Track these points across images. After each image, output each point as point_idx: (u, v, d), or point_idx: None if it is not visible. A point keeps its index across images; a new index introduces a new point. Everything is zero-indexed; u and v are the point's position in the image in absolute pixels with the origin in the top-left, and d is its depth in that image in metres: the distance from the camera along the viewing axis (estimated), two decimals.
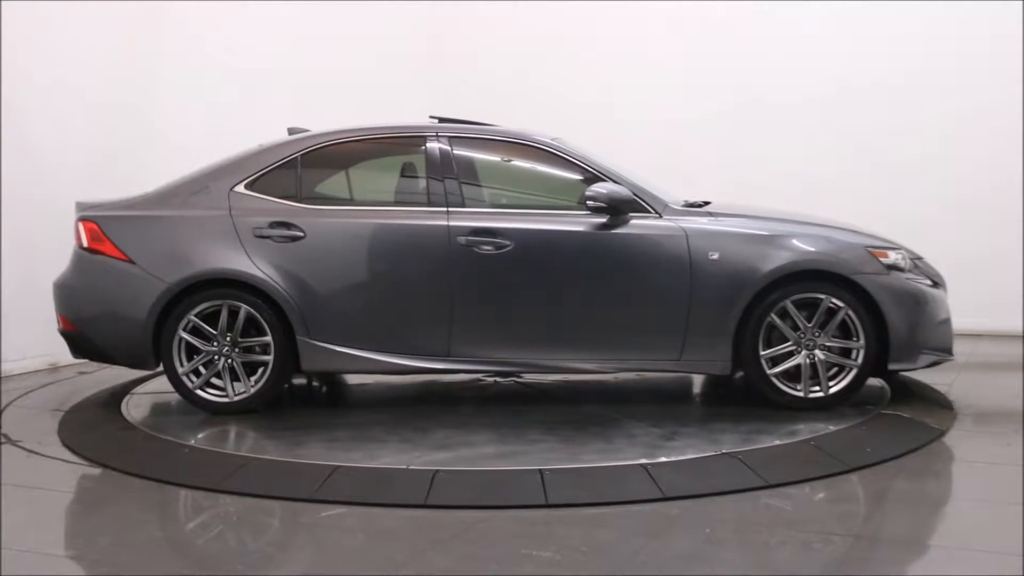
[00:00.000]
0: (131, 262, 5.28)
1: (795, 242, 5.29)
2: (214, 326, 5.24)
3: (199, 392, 5.30)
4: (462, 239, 5.20)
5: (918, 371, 5.42)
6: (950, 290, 5.64)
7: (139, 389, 6.05)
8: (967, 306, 7.67)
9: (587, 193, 5.21)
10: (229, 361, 5.26)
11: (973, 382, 6.29)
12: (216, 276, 5.24)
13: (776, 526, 3.82)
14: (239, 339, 5.24)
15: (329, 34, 9.06)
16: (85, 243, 5.40)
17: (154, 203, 5.45)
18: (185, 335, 5.25)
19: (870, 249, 5.32)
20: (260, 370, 5.28)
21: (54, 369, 6.90)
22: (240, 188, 5.35)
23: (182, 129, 7.69)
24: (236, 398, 5.28)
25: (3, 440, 5.12)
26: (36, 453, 4.90)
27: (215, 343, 5.25)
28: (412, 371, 5.41)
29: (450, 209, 5.26)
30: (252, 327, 5.26)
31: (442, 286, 5.22)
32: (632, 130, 8.84)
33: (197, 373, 5.29)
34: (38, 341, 6.64)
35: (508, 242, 5.20)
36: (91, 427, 5.31)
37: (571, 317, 5.29)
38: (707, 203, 5.58)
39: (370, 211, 5.44)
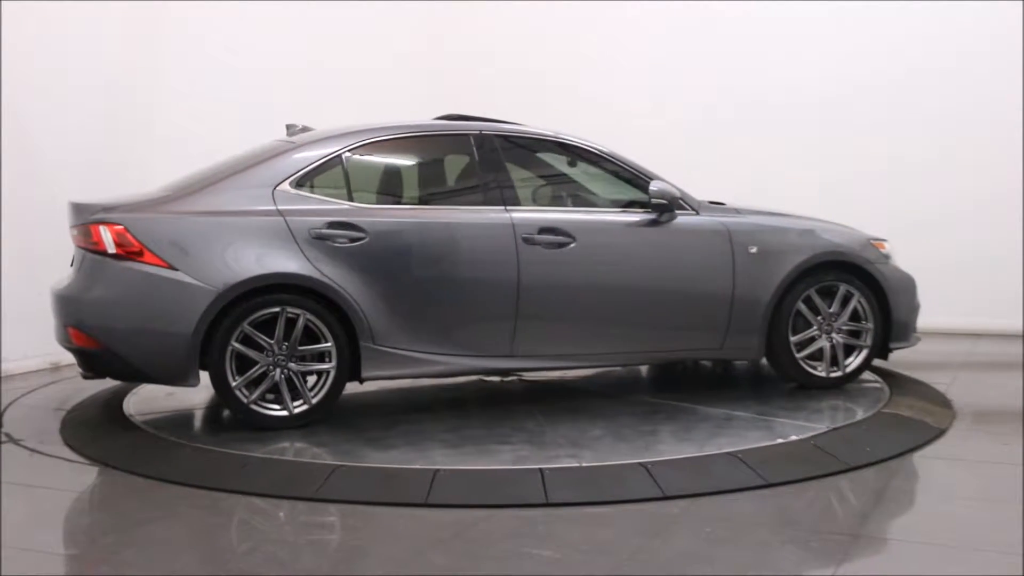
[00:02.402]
0: (172, 268, 4.80)
1: (818, 236, 5.70)
2: (266, 334, 4.87)
3: (254, 407, 4.88)
4: (526, 236, 5.19)
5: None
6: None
7: (140, 388, 6.03)
8: (967, 306, 7.73)
9: (651, 190, 5.37)
10: (285, 372, 4.92)
11: (972, 381, 6.31)
12: (275, 281, 4.87)
13: (776, 525, 3.83)
14: (298, 347, 4.91)
15: (329, 34, 9.05)
16: (111, 249, 4.83)
17: (181, 203, 4.97)
18: (237, 346, 4.85)
19: (872, 241, 5.81)
20: (321, 380, 4.96)
21: (56, 368, 6.91)
22: (285, 187, 5.02)
23: (183, 129, 7.68)
24: (296, 411, 4.91)
25: (5, 439, 5.12)
26: (38, 452, 4.91)
27: (269, 353, 4.88)
28: (475, 371, 5.43)
29: (508, 207, 5.26)
30: (304, 334, 4.92)
31: (507, 283, 5.16)
32: (632, 130, 8.78)
33: (248, 387, 4.89)
34: (39, 340, 6.62)
35: (571, 239, 5.24)
36: (93, 426, 5.32)
37: (632, 311, 5.38)
38: (721, 203, 5.72)
39: (432, 210, 5.39)
